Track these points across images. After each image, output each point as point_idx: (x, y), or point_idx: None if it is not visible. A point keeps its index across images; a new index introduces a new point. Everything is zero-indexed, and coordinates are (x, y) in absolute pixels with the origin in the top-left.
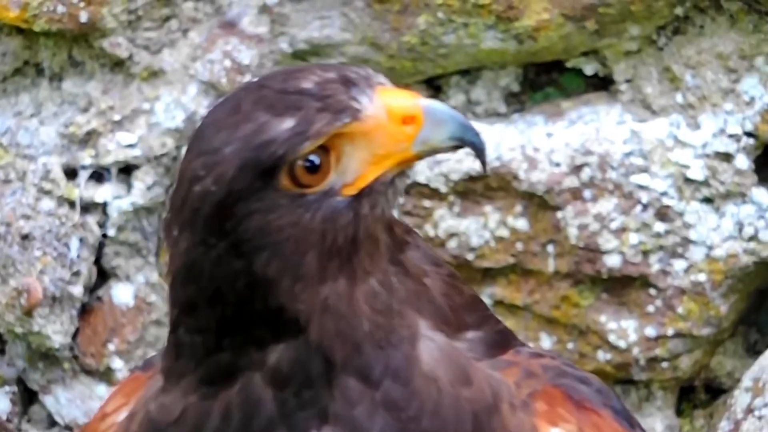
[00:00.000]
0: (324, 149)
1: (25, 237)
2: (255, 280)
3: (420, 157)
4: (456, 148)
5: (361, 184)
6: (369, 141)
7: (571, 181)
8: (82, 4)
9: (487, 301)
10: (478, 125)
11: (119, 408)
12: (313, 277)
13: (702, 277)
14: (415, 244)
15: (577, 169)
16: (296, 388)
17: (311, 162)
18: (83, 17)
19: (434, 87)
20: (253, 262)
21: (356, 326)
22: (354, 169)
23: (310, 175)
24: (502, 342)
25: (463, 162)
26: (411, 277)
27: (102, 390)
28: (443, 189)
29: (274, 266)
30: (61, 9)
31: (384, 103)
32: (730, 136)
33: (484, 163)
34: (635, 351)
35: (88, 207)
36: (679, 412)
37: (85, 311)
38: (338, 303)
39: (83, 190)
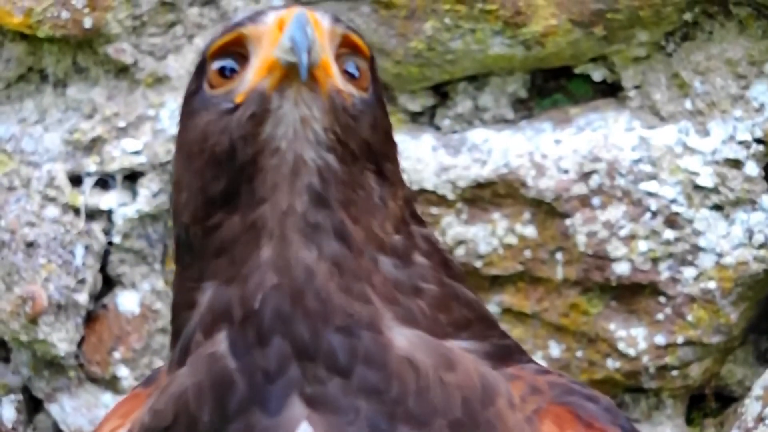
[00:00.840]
0: (244, 58)
1: (29, 244)
2: (174, 188)
3: (280, 65)
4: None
5: (246, 92)
6: (261, 47)
7: (580, 188)
8: (86, 10)
9: (494, 309)
10: (485, 132)
11: (115, 430)
12: (202, 196)
13: (712, 285)
14: (408, 259)
15: (585, 176)
16: (239, 345)
17: (222, 66)
18: (87, 23)
19: (441, 93)
20: (174, 164)
21: (260, 289)
22: (248, 78)
23: (221, 78)
24: (503, 355)
25: (471, 169)
26: (362, 276)
27: (108, 398)
28: (450, 196)
29: (178, 170)
30: (65, 15)
31: (283, 13)
32: (740, 142)
33: (300, 60)
34: (645, 359)
35: (93, 214)
36: (689, 421)
37: (90, 319)
38: (231, 241)
39: (88, 197)
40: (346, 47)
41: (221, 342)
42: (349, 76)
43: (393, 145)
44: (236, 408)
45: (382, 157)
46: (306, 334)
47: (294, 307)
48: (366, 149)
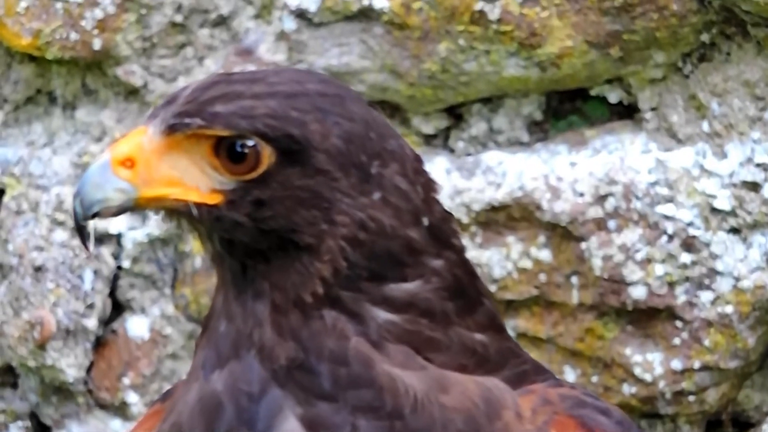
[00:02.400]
0: None
1: (37, 269)
2: None
3: None
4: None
5: None
6: None
7: (595, 211)
8: (95, 32)
9: (509, 333)
10: (499, 154)
11: None
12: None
13: (729, 309)
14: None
15: (601, 199)
16: (207, 366)
17: None
18: (96, 45)
19: (455, 115)
20: None
21: (221, 323)
22: None
23: None
24: (515, 381)
25: (485, 192)
26: (299, 326)
27: (117, 425)
28: (465, 219)
29: None
30: (74, 36)
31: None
32: (758, 165)
33: (83, 242)
34: (661, 384)
35: (102, 238)
36: None
37: (99, 344)
38: (215, 305)
39: (97, 220)
40: (212, 137)
41: (203, 367)
42: (232, 161)
43: (309, 207)
44: (225, 430)
45: (283, 232)
46: (272, 365)
47: (245, 342)
48: (253, 238)
